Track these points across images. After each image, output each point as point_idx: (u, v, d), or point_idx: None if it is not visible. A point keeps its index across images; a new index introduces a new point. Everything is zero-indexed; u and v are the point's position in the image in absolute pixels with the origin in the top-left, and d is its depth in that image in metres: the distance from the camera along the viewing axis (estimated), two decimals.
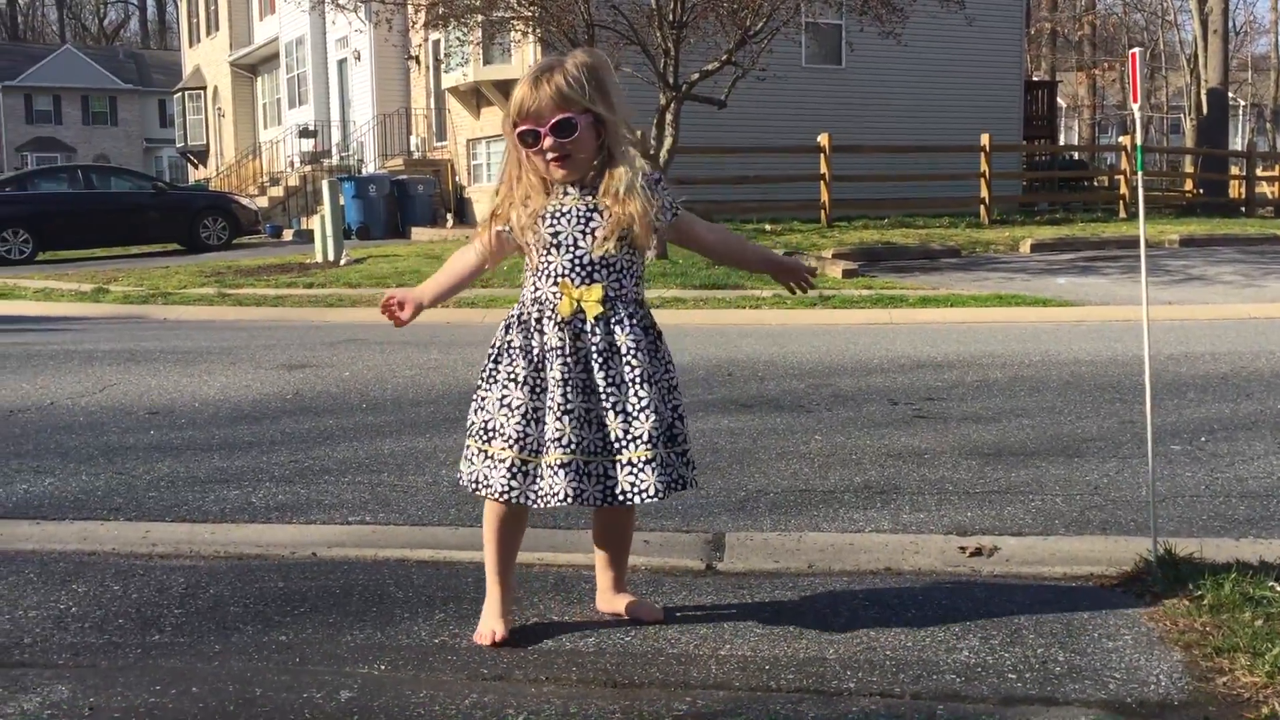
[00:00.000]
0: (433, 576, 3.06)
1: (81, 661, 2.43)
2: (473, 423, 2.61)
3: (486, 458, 2.56)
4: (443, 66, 23.61)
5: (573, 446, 2.47)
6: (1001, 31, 23.65)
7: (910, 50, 18.55)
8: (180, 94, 40.45)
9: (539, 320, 2.56)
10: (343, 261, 15.76)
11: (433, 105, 25.99)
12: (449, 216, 23.48)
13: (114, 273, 16.14)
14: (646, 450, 2.48)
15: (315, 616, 2.71)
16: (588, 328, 2.53)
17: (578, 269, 2.55)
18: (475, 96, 23.21)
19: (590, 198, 2.57)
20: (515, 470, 2.52)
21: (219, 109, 37.88)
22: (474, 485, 2.59)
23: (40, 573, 3.11)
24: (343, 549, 3.37)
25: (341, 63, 28.83)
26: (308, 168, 27.95)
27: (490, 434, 2.56)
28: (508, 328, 2.62)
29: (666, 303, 11.29)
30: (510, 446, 2.52)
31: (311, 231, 19.45)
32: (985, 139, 19.80)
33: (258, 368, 7.46)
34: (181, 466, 4.65)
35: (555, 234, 2.56)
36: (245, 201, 23.69)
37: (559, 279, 2.55)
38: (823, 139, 18.67)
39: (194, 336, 9.66)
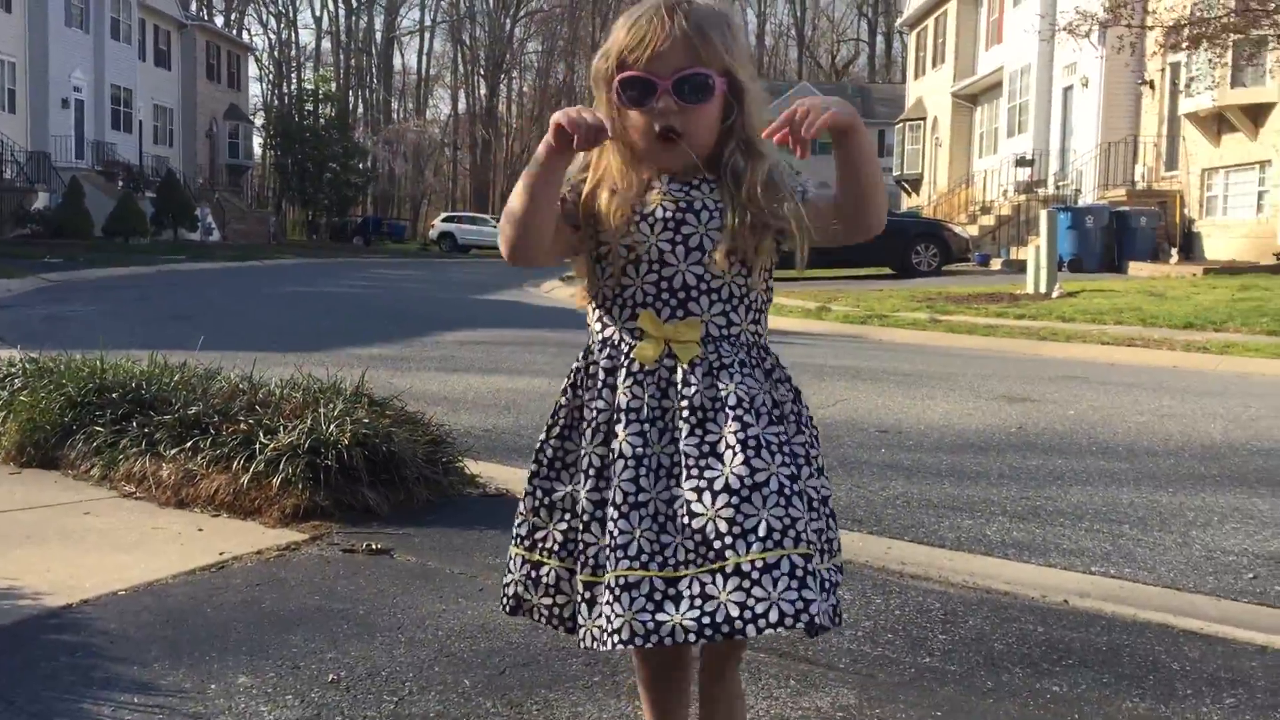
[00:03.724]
0: (1206, 652, 2.78)
1: (860, 669, 2.55)
2: (515, 519, 1.91)
3: (532, 568, 1.87)
4: (1182, 91, 22.02)
5: (645, 557, 1.70)
6: None
7: None
8: (901, 125, 42.35)
9: (610, 372, 1.81)
10: (1055, 294, 15.33)
11: (1164, 132, 24.35)
12: (1173, 251, 21.83)
13: (834, 293, 17.28)
14: (763, 550, 1.65)
15: (1085, 672, 2.59)
16: (679, 378, 1.77)
17: (664, 295, 1.79)
18: (1216, 122, 21.33)
19: (693, 191, 1.79)
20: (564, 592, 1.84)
21: (936, 139, 39.02)
22: (512, 605, 1.90)
23: None
24: (1092, 601, 3.20)
25: (1067, 90, 28.15)
26: (1021, 197, 27.72)
27: (532, 539, 1.87)
28: (567, 387, 1.88)
29: None
30: (554, 556, 1.84)
31: (1020, 261, 19.26)
32: None
33: (978, 397, 7.48)
34: (914, 488, 4.77)
35: (636, 244, 1.79)
36: (957, 230, 24.11)
37: (637, 309, 1.81)
38: None
39: (912, 359, 9.97)
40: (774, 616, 1.62)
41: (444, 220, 50.39)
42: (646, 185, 1.79)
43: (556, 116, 1.68)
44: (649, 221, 1.77)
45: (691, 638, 1.67)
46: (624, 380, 1.77)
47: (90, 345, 5.31)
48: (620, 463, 1.73)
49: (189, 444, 3.94)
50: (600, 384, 1.80)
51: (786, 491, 1.69)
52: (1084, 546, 3.92)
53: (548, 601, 1.84)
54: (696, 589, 1.68)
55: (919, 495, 4.64)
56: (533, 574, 1.84)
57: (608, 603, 1.70)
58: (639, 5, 1.78)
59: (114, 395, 4.34)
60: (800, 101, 1.67)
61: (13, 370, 4.85)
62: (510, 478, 4.47)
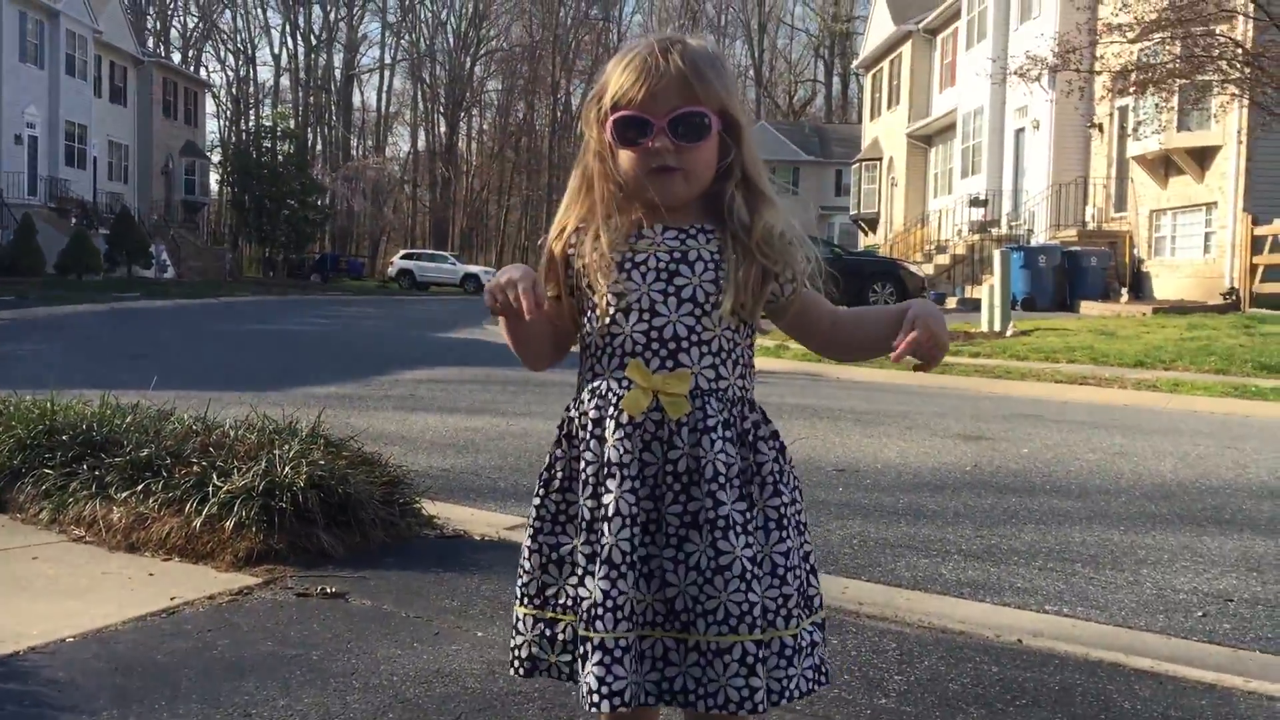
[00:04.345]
0: (1157, 691, 2.81)
1: (817, 711, 2.56)
2: (520, 579, 1.84)
3: (546, 627, 1.80)
4: (1130, 134, 22.50)
5: (637, 617, 1.70)
6: None
7: None
8: (858, 165, 42.93)
9: (597, 423, 1.76)
10: (1008, 332, 15.54)
11: (1113, 174, 24.85)
12: (1123, 291, 22.22)
13: None
14: (719, 634, 1.67)
15: (1038, 712, 2.61)
16: (665, 435, 1.73)
17: (654, 344, 1.75)
18: (1164, 165, 21.80)
19: (688, 240, 1.76)
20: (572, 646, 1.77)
21: (892, 179, 39.55)
22: (527, 667, 1.82)
23: None
24: (1046, 640, 3.23)
25: (1019, 132, 28.68)
26: (975, 236, 28.13)
27: (543, 597, 1.81)
28: (560, 439, 1.83)
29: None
30: (569, 612, 1.78)
31: (974, 300, 19.49)
32: None
33: (933, 435, 7.54)
34: (871, 527, 4.79)
35: (626, 291, 1.76)
36: (913, 269, 24.41)
37: (626, 358, 1.76)
38: None
39: (868, 398, 10.04)
40: (721, 699, 1.66)
41: (403, 257, 50.28)
42: (636, 229, 1.76)
43: (486, 292, 1.73)
44: (640, 270, 1.74)
45: (651, 700, 1.71)
46: (613, 432, 1.72)
47: (41, 385, 5.24)
48: (618, 520, 1.68)
49: (140, 487, 3.88)
50: (589, 434, 1.75)
51: (747, 576, 1.68)
52: (1038, 585, 3.95)
53: (567, 658, 1.77)
54: (660, 651, 1.71)
55: (876, 534, 4.66)
56: (547, 632, 1.78)
57: (602, 664, 1.66)
58: (630, 47, 1.76)
59: (64, 437, 4.28)
60: (928, 325, 1.70)
61: None
62: (468, 518, 4.44)
